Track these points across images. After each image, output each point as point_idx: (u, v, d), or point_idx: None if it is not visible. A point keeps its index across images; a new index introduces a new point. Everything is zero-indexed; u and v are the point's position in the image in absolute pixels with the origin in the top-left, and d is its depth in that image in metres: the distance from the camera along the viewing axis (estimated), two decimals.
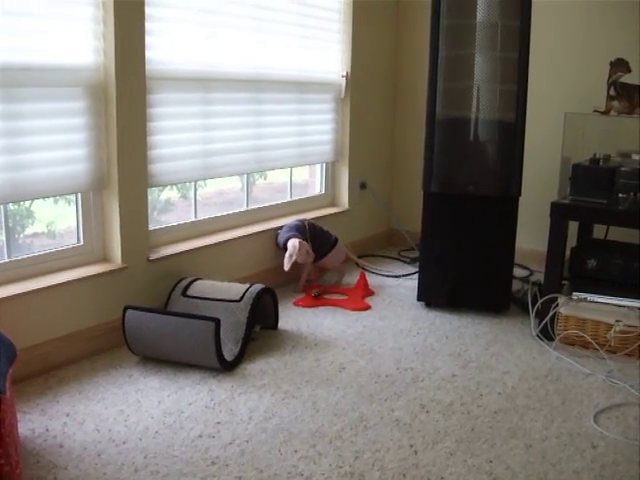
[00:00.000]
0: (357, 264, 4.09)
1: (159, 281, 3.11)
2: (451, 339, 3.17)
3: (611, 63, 3.35)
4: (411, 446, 2.24)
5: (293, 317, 3.38)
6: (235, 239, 3.53)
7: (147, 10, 2.90)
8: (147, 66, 2.94)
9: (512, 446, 2.25)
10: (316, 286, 3.77)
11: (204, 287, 3.04)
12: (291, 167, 4.09)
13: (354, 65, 4.29)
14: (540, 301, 3.21)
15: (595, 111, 3.45)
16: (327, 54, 4.13)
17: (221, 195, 3.89)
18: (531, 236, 4.17)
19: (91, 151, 2.82)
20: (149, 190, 3.09)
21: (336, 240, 3.84)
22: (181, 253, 3.22)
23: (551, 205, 3.13)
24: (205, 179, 3.49)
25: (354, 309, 3.52)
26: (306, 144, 4.08)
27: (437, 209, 3.46)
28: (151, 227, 3.13)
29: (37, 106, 2.60)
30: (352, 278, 3.95)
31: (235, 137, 3.54)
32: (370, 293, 3.76)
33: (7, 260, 2.67)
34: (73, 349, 2.78)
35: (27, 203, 2.89)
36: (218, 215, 3.62)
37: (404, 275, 4.13)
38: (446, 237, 3.46)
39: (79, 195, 2.89)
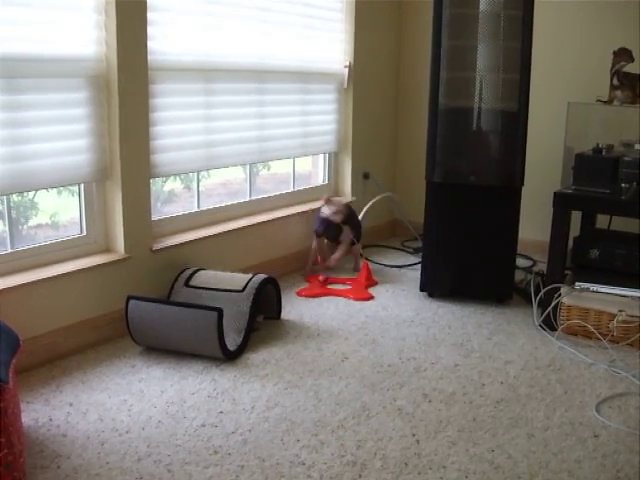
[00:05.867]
0: (360, 254, 4.09)
1: (162, 271, 3.12)
2: (454, 329, 3.18)
3: (614, 52, 3.34)
4: (413, 435, 2.24)
5: (296, 307, 3.39)
6: (238, 229, 3.53)
7: (149, 0, 2.89)
8: (149, 56, 2.93)
9: (514, 435, 2.26)
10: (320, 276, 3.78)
11: (207, 277, 3.05)
12: (294, 157, 4.09)
13: (357, 55, 4.27)
14: (543, 291, 3.21)
15: (598, 100, 3.45)
16: (330, 44, 4.12)
17: (224, 186, 3.89)
18: (534, 226, 4.17)
19: (93, 142, 2.83)
20: (152, 181, 3.09)
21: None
22: (184, 243, 3.22)
23: (554, 195, 3.13)
24: (208, 169, 3.49)
25: (357, 299, 3.52)
26: (309, 134, 4.08)
27: (440, 199, 3.46)
28: (154, 217, 3.14)
29: (39, 97, 2.60)
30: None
31: (238, 127, 3.54)
32: (373, 283, 3.76)
33: (11, 251, 2.67)
34: (76, 339, 2.79)
35: (31, 194, 2.90)
36: (221, 205, 3.62)
37: (407, 265, 4.13)
38: (449, 227, 3.46)
39: (82, 186, 2.89)
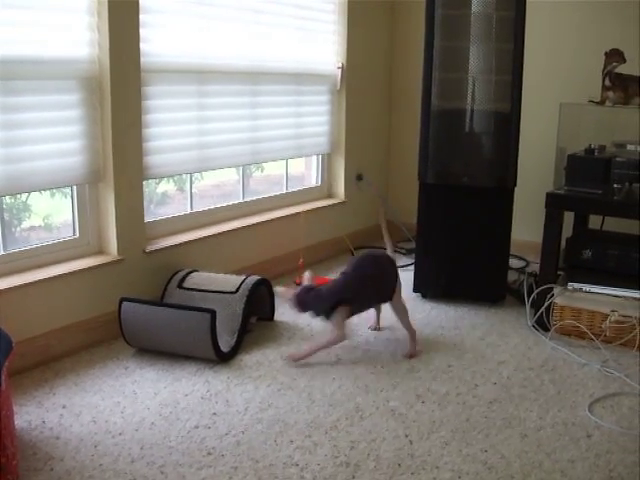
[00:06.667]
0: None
1: (155, 273, 3.11)
2: (447, 330, 3.18)
3: (606, 53, 3.35)
4: (406, 436, 2.25)
5: (289, 308, 3.38)
6: (231, 231, 3.53)
7: (142, 2, 2.89)
8: (142, 58, 2.93)
9: (507, 435, 2.26)
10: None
11: (200, 279, 3.05)
12: (287, 159, 4.09)
13: (350, 56, 4.28)
14: (536, 291, 3.21)
15: (590, 101, 3.45)
16: (322, 45, 4.12)
17: (218, 187, 3.89)
18: (527, 227, 4.18)
19: (86, 143, 2.82)
20: (145, 183, 3.09)
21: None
22: (177, 245, 3.22)
23: (546, 195, 3.13)
24: (201, 171, 3.49)
25: None
26: (302, 136, 4.08)
27: (433, 200, 3.46)
28: (147, 219, 3.13)
29: (32, 99, 2.59)
30: None
31: (231, 129, 3.54)
32: None
33: (4, 253, 2.67)
34: (70, 341, 2.79)
35: (24, 197, 2.89)
36: (214, 207, 3.62)
37: (400, 266, 4.13)
38: (442, 228, 3.47)
39: (75, 188, 2.89)
